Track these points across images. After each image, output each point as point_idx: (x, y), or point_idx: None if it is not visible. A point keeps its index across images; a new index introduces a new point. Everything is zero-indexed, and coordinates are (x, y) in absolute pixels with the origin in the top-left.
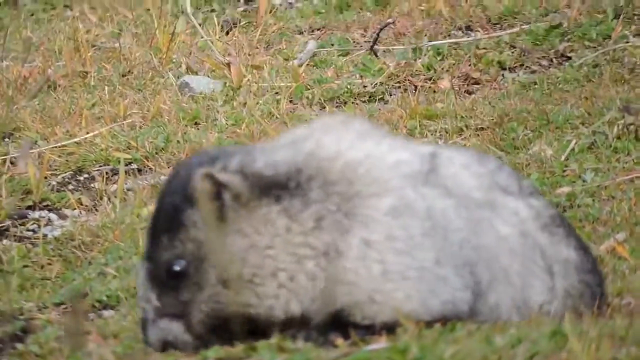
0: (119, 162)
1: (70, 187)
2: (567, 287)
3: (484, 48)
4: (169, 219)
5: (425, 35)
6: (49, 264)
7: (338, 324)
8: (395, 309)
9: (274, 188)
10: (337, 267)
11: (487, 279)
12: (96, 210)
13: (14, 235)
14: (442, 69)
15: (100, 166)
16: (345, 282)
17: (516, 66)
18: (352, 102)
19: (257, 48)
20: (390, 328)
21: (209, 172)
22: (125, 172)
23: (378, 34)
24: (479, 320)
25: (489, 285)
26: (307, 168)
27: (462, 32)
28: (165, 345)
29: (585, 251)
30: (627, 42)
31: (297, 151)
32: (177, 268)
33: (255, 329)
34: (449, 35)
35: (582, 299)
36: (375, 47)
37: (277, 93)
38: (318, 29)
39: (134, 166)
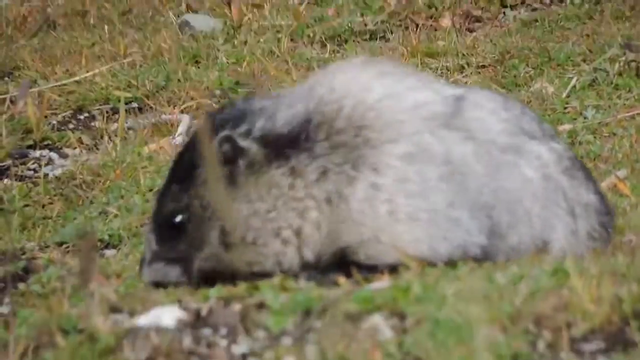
0: (120, 100)
1: (71, 126)
2: (589, 229)
3: None
4: (184, 171)
5: None
6: (50, 203)
7: (341, 263)
8: (401, 250)
9: (286, 147)
10: (342, 209)
11: (507, 221)
12: (97, 149)
13: (15, 175)
14: (444, 7)
15: (101, 105)
16: (350, 222)
17: (517, 4)
18: (353, 41)
19: None
20: (393, 269)
21: (231, 136)
22: (126, 110)
23: None
24: (497, 260)
25: (510, 227)
26: (315, 116)
27: None
28: (158, 286)
29: (602, 194)
30: None
31: (310, 99)
32: (177, 220)
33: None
34: None
35: (602, 242)
36: None
37: (278, 31)
38: None
39: (135, 105)
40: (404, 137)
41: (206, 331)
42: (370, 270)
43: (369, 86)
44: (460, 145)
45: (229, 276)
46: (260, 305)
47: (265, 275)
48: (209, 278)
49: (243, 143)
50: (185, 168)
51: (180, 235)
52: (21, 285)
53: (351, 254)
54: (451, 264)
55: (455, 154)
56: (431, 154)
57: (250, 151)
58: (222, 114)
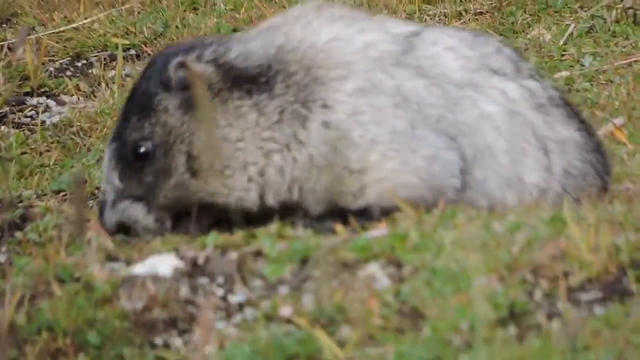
0: (117, 47)
1: (68, 73)
2: (566, 166)
3: None
4: (141, 102)
5: None
6: (48, 150)
7: (337, 211)
8: (377, 176)
9: (245, 82)
10: (304, 156)
11: (470, 154)
12: (94, 96)
13: (12, 122)
14: None
15: (99, 52)
16: (316, 168)
17: None
18: None
19: None
20: (386, 212)
21: (183, 61)
22: (124, 57)
23: None
24: (469, 197)
25: (474, 161)
26: (275, 63)
27: None
28: (121, 228)
29: (589, 132)
30: None
31: (269, 44)
32: (143, 149)
33: (222, 218)
34: None
35: (585, 179)
36: None
37: None
38: None
39: (132, 52)
40: (353, 74)
41: (203, 280)
42: (364, 215)
43: (320, 31)
44: (412, 80)
45: (190, 216)
46: (257, 254)
47: (226, 211)
48: (171, 217)
49: (196, 67)
50: (142, 98)
51: (146, 166)
52: (18, 234)
53: (337, 200)
54: (438, 186)
55: (407, 88)
56: (382, 88)
57: (205, 73)
58: (172, 47)
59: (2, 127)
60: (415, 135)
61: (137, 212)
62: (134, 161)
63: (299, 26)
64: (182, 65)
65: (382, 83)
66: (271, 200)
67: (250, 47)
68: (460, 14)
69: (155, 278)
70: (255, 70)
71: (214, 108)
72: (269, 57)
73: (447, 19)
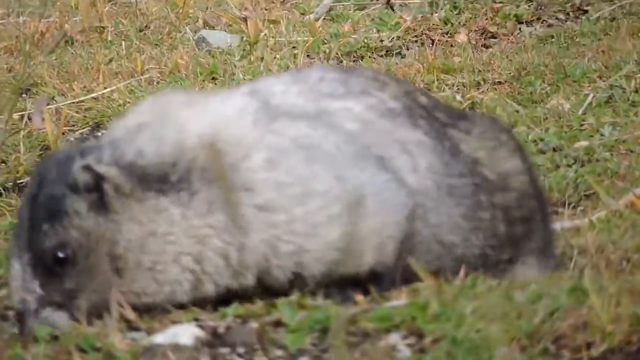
0: None
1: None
2: (429, 164)
3: (501, 2)
4: (48, 207)
5: None
6: None
7: (357, 280)
8: (325, 233)
9: (153, 182)
10: (247, 241)
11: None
12: None
13: None
14: (459, 22)
15: None
16: (270, 250)
17: (533, 20)
18: (369, 57)
19: (274, 2)
20: (373, 274)
21: (88, 164)
22: None
23: None
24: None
25: (358, 164)
26: (180, 161)
27: None
28: (38, 337)
29: (436, 139)
30: None
31: (161, 144)
32: (61, 254)
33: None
34: None
35: (448, 178)
36: (392, 1)
37: (294, 47)
38: None
39: None
40: (252, 148)
41: (224, 350)
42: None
43: (198, 121)
44: (292, 127)
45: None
46: (278, 323)
47: (150, 309)
48: (93, 319)
49: (101, 169)
50: (50, 203)
51: (66, 271)
52: None
53: (307, 274)
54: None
55: (298, 137)
56: (282, 150)
57: (110, 175)
58: (63, 151)
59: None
60: (335, 177)
61: (59, 320)
62: (53, 267)
63: (178, 120)
64: (86, 167)
65: (280, 145)
66: (208, 289)
67: (140, 144)
68: (479, 83)
69: (176, 348)
70: (160, 168)
71: (131, 208)
72: (168, 154)
73: (465, 89)
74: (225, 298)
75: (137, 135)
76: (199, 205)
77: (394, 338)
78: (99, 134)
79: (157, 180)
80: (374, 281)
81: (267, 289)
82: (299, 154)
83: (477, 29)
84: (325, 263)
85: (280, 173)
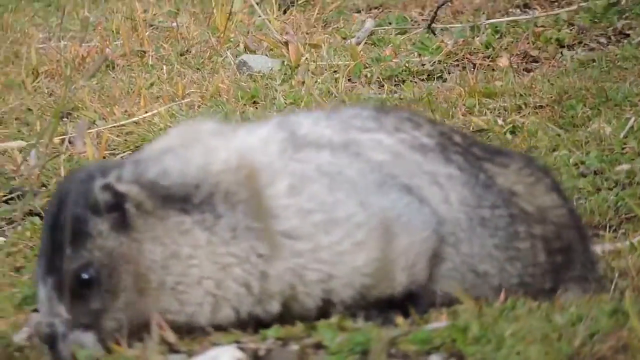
0: None
1: None
2: (461, 197)
3: (542, 26)
4: (73, 228)
5: (483, 13)
6: None
7: (393, 302)
8: (352, 259)
9: (176, 201)
10: (271, 269)
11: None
12: None
13: None
14: (501, 47)
15: None
16: (296, 278)
17: (574, 44)
18: (411, 81)
19: (315, 27)
20: (409, 295)
21: (108, 183)
22: None
23: (436, 12)
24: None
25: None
26: (203, 184)
27: (520, 10)
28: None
29: (469, 173)
30: None
31: (187, 166)
32: (86, 276)
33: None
34: (507, 13)
35: (480, 210)
36: (433, 25)
37: (335, 72)
38: (375, 8)
39: None
40: (277, 175)
41: None
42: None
43: (225, 149)
44: (317, 155)
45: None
46: (318, 346)
47: (190, 330)
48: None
49: (121, 187)
50: (73, 225)
51: (92, 292)
52: None
53: (336, 298)
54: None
55: (321, 165)
56: (307, 177)
57: (131, 193)
58: (83, 170)
59: None
60: (356, 204)
61: (87, 342)
62: (79, 290)
63: (206, 146)
64: (107, 186)
65: (304, 172)
66: (227, 314)
67: (165, 164)
68: (520, 107)
69: None
70: (182, 189)
71: (154, 226)
72: (191, 176)
73: (507, 113)
74: (262, 321)
75: (162, 156)
76: (223, 231)
77: None
78: None
79: (180, 200)
80: (411, 301)
81: (294, 315)
82: (322, 181)
83: (518, 53)
84: (355, 288)
85: (303, 199)
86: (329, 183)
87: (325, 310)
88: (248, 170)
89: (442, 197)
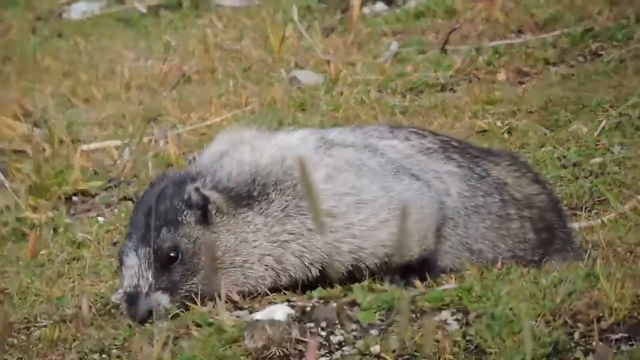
0: None
1: None
2: (459, 190)
3: (532, 47)
4: (167, 217)
5: (486, 37)
6: None
7: (411, 267)
8: (377, 234)
9: (242, 199)
10: (315, 242)
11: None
12: None
13: None
14: (499, 64)
15: None
16: (333, 249)
17: (558, 62)
18: (428, 92)
19: (351, 48)
20: (423, 261)
21: (198, 187)
22: None
23: (448, 37)
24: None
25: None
26: (257, 177)
27: (515, 35)
28: (149, 315)
29: (467, 168)
30: None
31: (240, 165)
32: (172, 254)
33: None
34: (504, 37)
35: (474, 199)
36: (446, 47)
37: (367, 84)
38: (399, 33)
39: None
40: (316, 166)
41: (310, 324)
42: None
43: (269, 148)
44: (345, 152)
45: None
46: (352, 304)
47: (251, 293)
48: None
49: (206, 192)
50: (166, 215)
51: (173, 266)
52: None
53: (363, 261)
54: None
55: (349, 158)
56: (339, 167)
57: (212, 197)
58: (174, 174)
59: None
60: (380, 188)
61: (164, 300)
62: (164, 263)
63: (250, 149)
64: (197, 190)
65: (336, 163)
66: (284, 281)
67: (230, 170)
68: (515, 112)
69: (272, 323)
70: (244, 187)
71: (228, 222)
72: (247, 176)
73: (504, 117)
74: (304, 284)
75: (221, 162)
76: (276, 212)
77: (445, 314)
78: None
79: (245, 197)
80: (426, 268)
81: (327, 279)
82: (350, 171)
83: (513, 69)
84: (379, 257)
85: (337, 185)
86: (356, 172)
87: (353, 275)
88: (293, 160)
89: (444, 189)
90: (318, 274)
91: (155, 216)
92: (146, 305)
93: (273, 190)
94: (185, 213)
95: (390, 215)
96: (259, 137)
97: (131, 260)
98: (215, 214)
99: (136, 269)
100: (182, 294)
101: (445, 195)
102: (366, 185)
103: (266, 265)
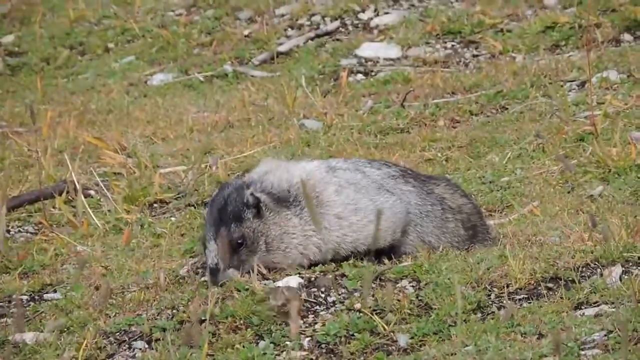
0: None
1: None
2: (416, 202)
3: (462, 103)
4: (234, 214)
5: (430, 97)
6: None
7: (383, 251)
8: (367, 230)
9: (282, 201)
10: (329, 237)
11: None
12: None
13: None
14: (440, 115)
15: None
16: (341, 240)
17: (479, 113)
18: (392, 133)
19: (340, 104)
20: (392, 247)
21: (252, 192)
22: None
23: (405, 97)
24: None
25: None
26: (291, 189)
27: (450, 95)
28: (224, 284)
29: (419, 188)
30: (537, 100)
31: (280, 180)
32: (240, 241)
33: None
34: (443, 97)
35: (425, 207)
36: (404, 103)
37: (351, 129)
38: (373, 94)
39: None
40: (328, 184)
41: (314, 289)
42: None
43: (296, 170)
44: (346, 174)
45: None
46: (342, 275)
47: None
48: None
49: (259, 195)
50: (234, 211)
51: (240, 251)
52: None
53: (351, 248)
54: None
55: (350, 179)
56: (343, 185)
57: (263, 199)
58: (234, 182)
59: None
60: (376, 201)
61: (235, 275)
62: (234, 248)
63: (285, 170)
64: (252, 194)
65: (342, 182)
66: (306, 261)
67: (273, 181)
68: (450, 147)
69: (288, 288)
70: (284, 194)
71: (274, 217)
72: (285, 187)
73: (443, 150)
74: (318, 264)
75: (267, 176)
76: (305, 216)
77: (404, 282)
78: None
79: (284, 200)
80: (393, 251)
81: (335, 260)
82: (350, 187)
83: (449, 118)
84: (367, 245)
85: (343, 197)
86: (354, 188)
87: (348, 257)
88: (313, 181)
89: (407, 202)
90: (331, 257)
91: (226, 214)
92: (223, 277)
93: (301, 200)
94: (246, 212)
95: (375, 217)
96: (289, 164)
97: (212, 245)
98: (265, 210)
99: (216, 252)
100: (246, 269)
101: (408, 204)
102: (360, 197)
103: (298, 251)
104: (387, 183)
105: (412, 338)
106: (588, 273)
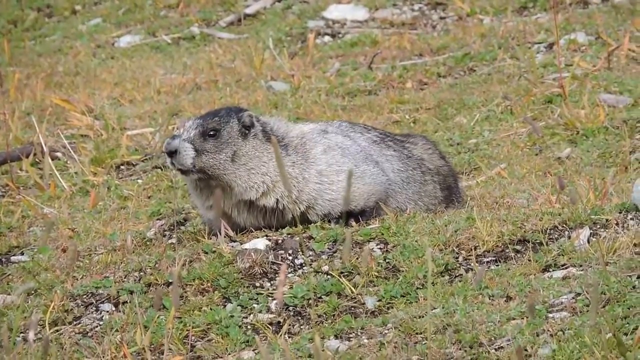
0: None
1: None
2: (398, 167)
3: (429, 65)
4: (223, 118)
5: (398, 59)
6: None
7: (353, 214)
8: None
9: (270, 139)
10: (306, 187)
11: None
12: None
13: None
14: (407, 77)
15: None
16: (317, 195)
17: (446, 75)
18: (359, 95)
19: (308, 66)
20: (362, 211)
21: (253, 115)
22: None
23: (372, 59)
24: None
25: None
26: (285, 139)
27: (417, 57)
28: (174, 152)
29: (399, 152)
30: (505, 62)
31: (279, 127)
32: (212, 133)
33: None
34: (410, 59)
35: (406, 172)
36: (371, 65)
37: (319, 91)
38: (340, 56)
39: None
40: (317, 143)
41: (281, 251)
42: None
43: (293, 128)
44: (336, 138)
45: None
46: (310, 237)
47: (242, 230)
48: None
49: (255, 121)
50: (225, 115)
51: (208, 140)
52: (182, 227)
53: (324, 211)
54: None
55: (339, 143)
56: (331, 147)
57: (256, 126)
58: (234, 107)
59: None
60: (358, 168)
61: (190, 153)
62: (205, 135)
63: (284, 125)
64: (252, 116)
65: (330, 143)
66: (272, 201)
67: (272, 125)
68: (418, 109)
69: (256, 250)
70: (276, 136)
71: (257, 144)
72: (281, 133)
73: (411, 112)
74: (283, 225)
75: (270, 119)
76: (290, 160)
77: (372, 245)
78: None
79: (277, 140)
80: (362, 215)
81: (306, 221)
82: (337, 150)
83: (416, 80)
84: (341, 206)
85: (329, 157)
86: (341, 152)
87: (323, 219)
88: (305, 139)
89: (390, 168)
90: (301, 211)
91: (218, 114)
92: (177, 144)
93: (291, 150)
94: (234, 121)
95: (356, 182)
96: (290, 122)
97: (190, 123)
98: (253, 137)
99: (186, 131)
100: (203, 161)
101: (391, 172)
102: (346, 161)
103: (264, 180)
104: (374, 150)
105: (379, 300)
106: (556, 235)
